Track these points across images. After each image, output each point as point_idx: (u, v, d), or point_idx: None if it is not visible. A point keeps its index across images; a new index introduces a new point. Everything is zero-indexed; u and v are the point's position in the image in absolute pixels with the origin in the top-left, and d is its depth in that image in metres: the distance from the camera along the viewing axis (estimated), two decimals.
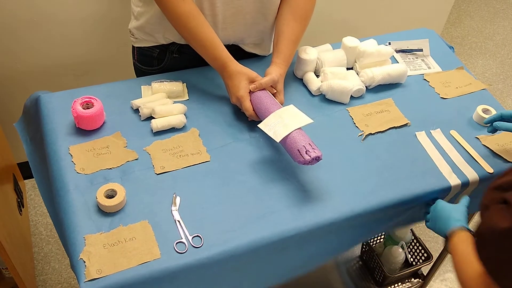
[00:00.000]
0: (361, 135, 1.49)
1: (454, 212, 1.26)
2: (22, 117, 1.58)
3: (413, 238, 2.08)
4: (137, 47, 1.66)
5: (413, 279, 2.12)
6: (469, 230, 1.19)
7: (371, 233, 1.44)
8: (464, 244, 1.13)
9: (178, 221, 1.21)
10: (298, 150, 1.27)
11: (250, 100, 1.43)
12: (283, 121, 1.33)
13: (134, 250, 1.14)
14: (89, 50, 2.16)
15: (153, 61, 1.66)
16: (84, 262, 1.11)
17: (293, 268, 1.37)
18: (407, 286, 2.09)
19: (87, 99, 1.39)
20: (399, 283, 2.09)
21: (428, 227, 1.36)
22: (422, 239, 2.07)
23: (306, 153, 1.26)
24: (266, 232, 1.22)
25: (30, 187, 2.53)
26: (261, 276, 1.32)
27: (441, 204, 1.31)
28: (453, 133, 1.53)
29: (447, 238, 1.22)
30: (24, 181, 2.51)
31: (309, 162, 1.26)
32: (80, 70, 2.20)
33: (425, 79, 1.73)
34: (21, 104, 1.57)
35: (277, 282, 1.37)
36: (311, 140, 1.30)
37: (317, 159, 1.26)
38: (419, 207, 1.42)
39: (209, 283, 1.21)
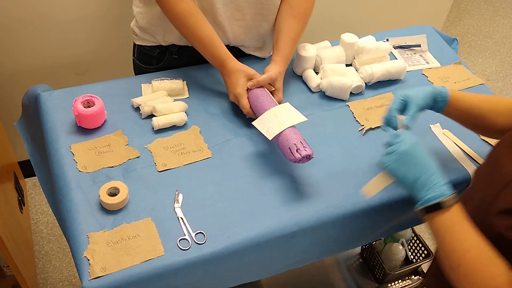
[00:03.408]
0: (361, 129, 1.50)
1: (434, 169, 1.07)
2: (22, 116, 1.58)
3: (413, 235, 2.09)
4: (137, 44, 1.67)
5: (413, 276, 2.12)
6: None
7: (373, 232, 1.45)
8: (474, 235, 0.99)
9: (181, 218, 1.22)
10: (289, 148, 1.27)
11: (248, 98, 1.44)
12: (277, 119, 1.33)
13: (138, 248, 1.14)
14: (90, 48, 2.16)
15: (152, 60, 1.67)
16: (88, 260, 1.11)
17: (296, 261, 1.38)
18: (407, 283, 2.09)
19: (88, 98, 1.39)
20: (400, 280, 2.10)
21: (384, 162, 1.12)
22: (422, 236, 2.08)
23: (296, 151, 1.26)
24: (268, 227, 1.22)
25: (31, 185, 2.53)
26: (264, 269, 1.33)
27: (423, 148, 1.09)
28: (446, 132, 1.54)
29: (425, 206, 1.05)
30: (25, 179, 2.51)
31: (299, 160, 1.26)
32: (80, 68, 2.20)
33: (423, 74, 1.74)
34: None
35: (278, 272, 1.38)
36: (303, 139, 1.30)
37: (308, 157, 1.26)
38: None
39: (213, 279, 1.22)
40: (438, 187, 1.03)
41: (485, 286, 0.94)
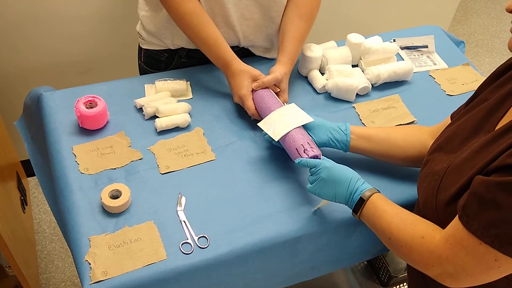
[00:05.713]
0: None
1: (353, 173, 1.16)
2: (22, 115, 1.57)
3: None
4: (144, 48, 1.65)
5: None
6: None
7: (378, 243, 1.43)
8: (395, 209, 1.07)
9: (184, 221, 1.20)
10: (296, 148, 1.25)
11: (253, 99, 1.42)
12: (283, 119, 1.31)
13: (140, 252, 1.13)
14: (93, 47, 2.14)
15: (160, 65, 1.64)
16: (90, 264, 1.10)
17: (302, 271, 1.36)
18: None
19: (91, 98, 1.38)
20: (405, 283, 2.07)
21: (312, 191, 1.18)
22: None
23: (304, 152, 1.24)
24: (272, 232, 1.21)
25: (34, 184, 2.52)
26: (268, 276, 1.31)
27: (339, 167, 1.17)
28: None
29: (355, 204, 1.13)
30: (28, 178, 2.50)
31: None
32: (83, 67, 2.19)
33: (431, 76, 1.71)
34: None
35: (285, 284, 1.36)
36: (310, 139, 1.28)
37: (315, 158, 1.25)
38: None
39: (216, 283, 1.20)
40: (358, 190, 1.12)
41: (419, 244, 0.98)
